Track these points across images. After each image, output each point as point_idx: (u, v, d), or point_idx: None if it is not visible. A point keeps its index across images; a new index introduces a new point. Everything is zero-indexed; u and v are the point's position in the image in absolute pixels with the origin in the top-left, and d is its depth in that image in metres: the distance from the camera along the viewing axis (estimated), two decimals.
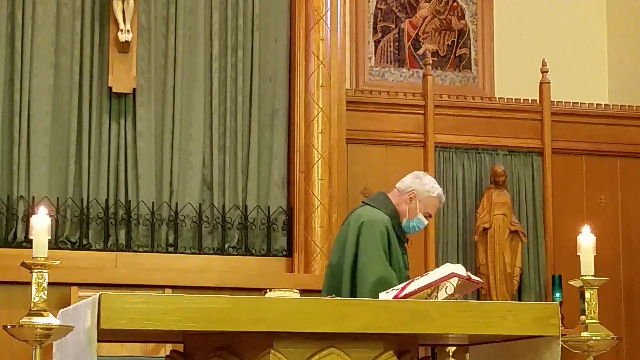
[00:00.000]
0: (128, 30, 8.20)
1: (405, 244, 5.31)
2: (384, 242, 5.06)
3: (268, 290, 4.35)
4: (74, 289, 7.79)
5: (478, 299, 8.82)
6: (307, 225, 8.35)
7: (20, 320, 3.73)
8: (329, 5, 8.52)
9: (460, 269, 4.69)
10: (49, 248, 3.85)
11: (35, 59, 8.25)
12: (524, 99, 9.64)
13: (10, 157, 8.17)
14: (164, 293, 7.57)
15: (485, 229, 9.18)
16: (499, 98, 9.73)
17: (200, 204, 8.45)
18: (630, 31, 10.16)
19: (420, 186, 5.21)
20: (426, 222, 5.23)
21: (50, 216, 4.02)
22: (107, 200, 8.28)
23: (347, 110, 8.67)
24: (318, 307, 3.96)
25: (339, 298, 4.39)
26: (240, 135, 8.62)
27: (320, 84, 8.47)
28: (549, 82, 9.63)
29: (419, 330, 4.09)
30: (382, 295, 4.77)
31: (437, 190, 5.25)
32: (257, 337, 3.95)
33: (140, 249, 8.29)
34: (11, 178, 8.15)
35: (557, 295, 8.95)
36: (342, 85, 8.64)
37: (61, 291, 7.59)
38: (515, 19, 10.14)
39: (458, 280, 4.61)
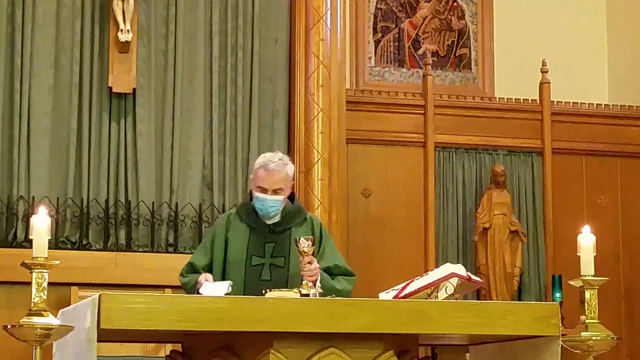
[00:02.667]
0: (128, 30, 8.20)
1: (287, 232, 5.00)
2: (210, 235, 5.14)
3: (268, 290, 4.35)
4: (74, 289, 7.79)
5: (478, 299, 8.82)
6: None
7: (20, 320, 3.73)
8: (329, 5, 8.52)
9: (460, 269, 4.69)
10: (49, 248, 3.85)
11: (35, 59, 8.25)
12: (524, 99, 9.64)
13: (10, 157, 8.16)
14: (164, 293, 7.57)
15: (485, 229, 9.18)
16: (499, 98, 9.73)
17: (200, 204, 8.45)
18: (630, 31, 10.16)
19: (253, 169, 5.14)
20: (262, 195, 4.94)
21: (50, 216, 4.02)
22: (107, 200, 8.28)
23: (347, 110, 8.66)
24: (318, 307, 3.96)
25: (338, 298, 4.38)
26: (240, 135, 8.62)
27: (320, 84, 8.47)
28: (549, 82, 9.63)
29: (419, 330, 4.09)
30: (382, 295, 4.77)
31: (259, 160, 5.03)
32: (257, 337, 3.95)
33: (140, 249, 8.29)
34: (11, 178, 8.14)
35: (557, 295, 8.95)
36: (342, 85, 8.64)
37: (61, 291, 7.59)
38: (515, 19, 10.13)
39: (458, 280, 4.61)
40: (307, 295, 4.54)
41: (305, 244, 4.67)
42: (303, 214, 5.15)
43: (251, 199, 5.06)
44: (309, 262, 4.70)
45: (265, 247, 5.02)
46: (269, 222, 5.03)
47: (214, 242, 5.07)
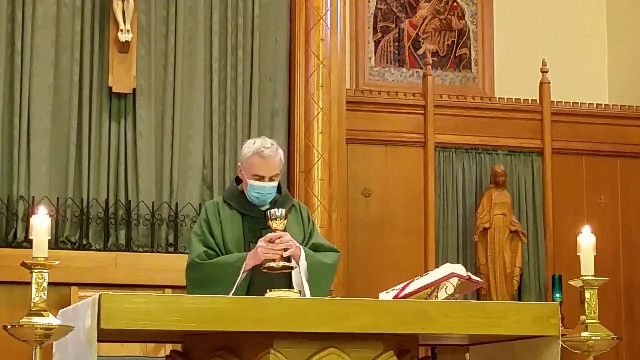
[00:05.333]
0: (128, 30, 8.21)
1: (278, 219, 4.72)
2: (203, 223, 4.93)
3: (268, 290, 4.35)
4: (74, 289, 7.80)
5: (478, 299, 8.82)
6: None
7: (20, 320, 3.73)
8: (329, 5, 8.52)
9: (460, 269, 4.68)
10: (49, 248, 3.85)
11: (35, 59, 8.25)
12: (524, 99, 9.64)
13: (10, 157, 8.17)
14: (164, 293, 7.57)
15: (485, 229, 9.18)
16: (499, 98, 9.74)
17: (200, 204, 8.44)
18: (630, 31, 10.16)
19: (241, 156, 4.98)
20: (259, 184, 4.85)
21: (50, 216, 4.02)
22: (107, 200, 8.28)
23: (347, 110, 8.67)
24: (318, 307, 3.96)
25: (338, 298, 4.38)
26: (240, 136, 8.62)
27: (320, 84, 8.47)
28: (549, 82, 9.63)
29: (419, 330, 4.09)
30: (382, 295, 4.76)
31: (251, 147, 4.88)
32: (257, 337, 3.95)
33: (140, 249, 8.29)
34: (11, 178, 8.15)
35: (557, 295, 8.95)
36: (342, 85, 8.64)
37: (61, 291, 7.59)
38: (515, 19, 10.14)
39: (458, 280, 4.61)
40: (275, 268, 4.56)
41: (278, 224, 4.63)
42: (291, 200, 5.09)
43: (238, 184, 4.99)
44: (279, 237, 4.65)
45: (262, 233, 4.87)
46: (264, 208, 4.93)
47: (210, 229, 4.90)
